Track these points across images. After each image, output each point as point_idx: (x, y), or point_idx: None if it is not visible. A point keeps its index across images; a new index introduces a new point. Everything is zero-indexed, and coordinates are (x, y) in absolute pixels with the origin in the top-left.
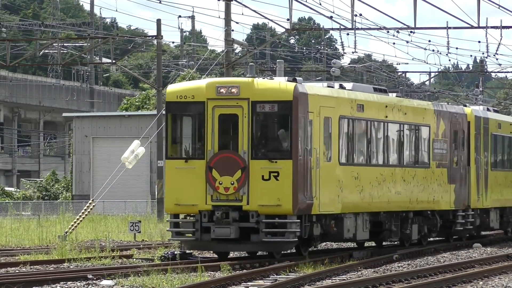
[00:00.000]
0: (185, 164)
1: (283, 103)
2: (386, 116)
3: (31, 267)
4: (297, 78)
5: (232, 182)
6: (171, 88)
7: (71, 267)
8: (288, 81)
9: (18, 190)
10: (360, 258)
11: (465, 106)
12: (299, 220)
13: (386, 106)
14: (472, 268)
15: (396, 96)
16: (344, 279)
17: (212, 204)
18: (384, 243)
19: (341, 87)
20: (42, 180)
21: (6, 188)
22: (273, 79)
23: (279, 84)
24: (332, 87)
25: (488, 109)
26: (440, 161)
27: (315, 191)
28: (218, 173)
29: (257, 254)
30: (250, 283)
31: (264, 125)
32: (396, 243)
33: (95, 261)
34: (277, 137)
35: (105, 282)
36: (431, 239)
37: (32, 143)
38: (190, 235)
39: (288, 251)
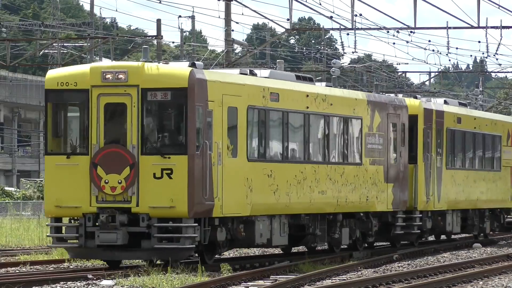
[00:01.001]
0: (66, 161)
1: (177, 91)
2: (307, 107)
3: (31, 267)
4: (196, 62)
5: (119, 181)
6: (51, 73)
7: (71, 267)
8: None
9: (18, 190)
10: (360, 258)
11: (415, 98)
12: (196, 224)
13: (308, 96)
14: (472, 268)
15: (326, 86)
16: (344, 279)
17: (97, 206)
18: (319, 248)
19: (252, 73)
20: (42, 180)
21: (6, 188)
22: (168, 63)
23: (173, 70)
24: (246, 74)
25: (446, 102)
26: (375, 157)
27: (216, 191)
28: (103, 171)
29: (256, 254)
30: (250, 283)
31: (156, 115)
32: (323, 248)
33: (95, 261)
34: (171, 130)
35: (105, 282)
36: (381, 243)
37: (32, 143)
38: (76, 241)
39: (190, 259)
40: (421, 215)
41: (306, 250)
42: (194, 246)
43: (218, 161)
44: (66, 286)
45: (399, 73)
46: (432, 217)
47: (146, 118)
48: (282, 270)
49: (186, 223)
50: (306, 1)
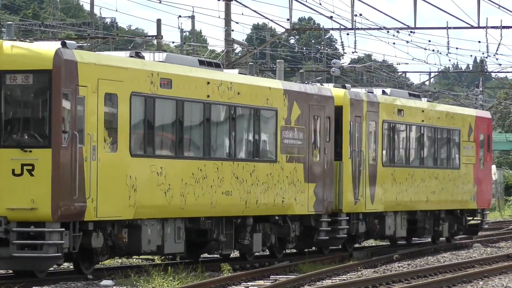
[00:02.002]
0: None
1: (40, 74)
2: (208, 96)
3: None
4: (68, 41)
5: None
6: None
7: (71, 267)
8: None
9: None
10: (360, 258)
11: (344, 87)
12: (63, 229)
13: (208, 83)
14: (472, 268)
15: (239, 73)
16: (344, 279)
17: None
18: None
19: (138, 55)
20: None
21: None
22: (33, 42)
23: (36, 49)
24: (133, 56)
25: (384, 92)
26: (293, 154)
27: (89, 190)
28: None
29: (256, 254)
30: (250, 283)
31: (16, 102)
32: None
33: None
34: (33, 119)
35: (105, 282)
36: (312, 250)
37: None
38: None
39: (56, 268)
40: (347, 218)
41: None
42: (61, 254)
43: (92, 156)
44: (66, 286)
45: (399, 73)
46: (367, 220)
47: (4, 105)
48: (282, 270)
49: (50, 227)
50: (306, 1)
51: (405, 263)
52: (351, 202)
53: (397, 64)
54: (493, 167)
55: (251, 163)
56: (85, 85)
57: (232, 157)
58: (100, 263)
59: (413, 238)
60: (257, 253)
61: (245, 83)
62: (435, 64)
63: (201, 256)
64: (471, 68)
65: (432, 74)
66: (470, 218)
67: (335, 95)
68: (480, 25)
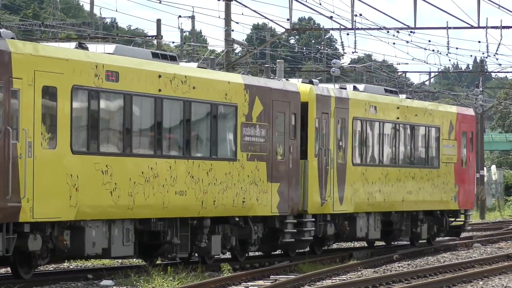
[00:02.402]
0: None
1: None
2: (160, 90)
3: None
4: (3, 31)
5: None
6: None
7: (71, 267)
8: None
9: None
10: (360, 258)
11: (311, 82)
12: None
13: (160, 76)
14: (472, 268)
15: (198, 67)
16: (344, 279)
17: None
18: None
19: (82, 46)
20: None
21: None
22: None
23: None
24: (78, 48)
25: (355, 88)
26: (255, 152)
27: (24, 189)
28: None
29: (256, 254)
30: (250, 283)
31: None
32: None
33: (95, 261)
34: None
35: (105, 282)
36: (279, 253)
37: None
38: None
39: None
40: (313, 219)
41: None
42: None
43: (28, 153)
44: (66, 286)
45: (399, 73)
46: (336, 222)
47: None
48: (282, 270)
49: None
50: (306, 1)
51: (405, 263)
52: (317, 203)
53: (397, 64)
54: (493, 167)
55: (208, 161)
56: (20, 77)
57: (187, 155)
58: (40, 267)
59: (389, 241)
60: (217, 256)
61: (201, 77)
62: (435, 64)
63: (157, 259)
64: (471, 68)
65: (432, 74)
66: (453, 220)
67: (300, 91)
68: (480, 25)
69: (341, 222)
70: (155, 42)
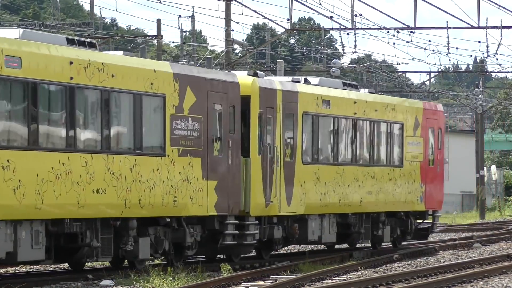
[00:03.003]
0: None
1: None
2: (72, 78)
3: (31, 267)
4: None
5: None
6: None
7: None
8: None
9: None
10: (360, 258)
11: (256, 74)
12: None
13: (72, 63)
14: (472, 268)
15: (124, 55)
16: (344, 279)
17: None
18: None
19: None
20: None
21: None
22: None
23: None
24: None
25: (306, 80)
26: (188, 147)
27: None
28: None
29: (255, 255)
30: (250, 283)
31: None
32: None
33: (95, 261)
34: None
35: (105, 282)
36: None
37: None
38: None
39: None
40: (257, 221)
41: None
42: None
43: None
44: (66, 286)
45: (399, 73)
46: (285, 224)
47: None
48: (282, 270)
49: None
50: (306, 1)
51: (405, 263)
52: (261, 204)
53: (397, 64)
54: (493, 167)
55: (131, 156)
56: None
57: (106, 149)
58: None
59: (351, 245)
60: (149, 261)
61: (121, 65)
62: (435, 64)
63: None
64: (471, 68)
65: (432, 74)
66: (420, 221)
67: (241, 83)
68: (480, 25)
69: (290, 224)
70: (155, 42)
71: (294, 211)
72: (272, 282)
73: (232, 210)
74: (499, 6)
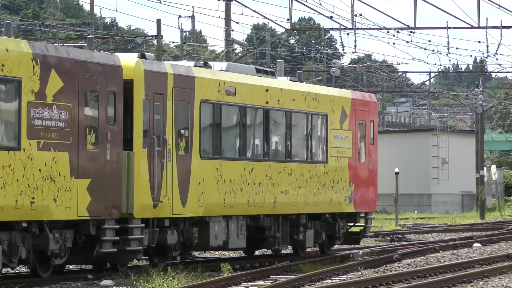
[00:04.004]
0: None
1: None
2: None
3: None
4: None
5: None
6: None
7: (71, 267)
8: None
9: None
10: (360, 258)
11: (143, 57)
12: None
13: None
14: (472, 268)
15: None
16: (344, 279)
17: None
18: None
19: None
20: None
21: None
22: None
23: None
24: None
25: (206, 64)
26: (51, 139)
27: None
28: None
29: (256, 254)
30: (250, 283)
31: None
32: None
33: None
34: None
35: (105, 282)
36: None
37: None
38: None
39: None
40: (143, 225)
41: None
42: None
43: None
44: (66, 286)
45: (399, 73)
46: (181, 228)
47: None
48: (282, 270)
49: None
50: (306, 1)
51: (405, 263)
52: (147, 204)
53: (397, 64)
54: (493, 167)
55: None
56: None
57: None
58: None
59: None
60: (8, 271)
61: None
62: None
63: None
64: (471, 68)
65: (432, 74)
66: (351, 224)
67: (123, 65)
68: (480, 25)
69: (188, 228)
70: (155, 42)
71: (191, 213)
72: (272, 282)
73: (111, 212)
74: (499, 6)
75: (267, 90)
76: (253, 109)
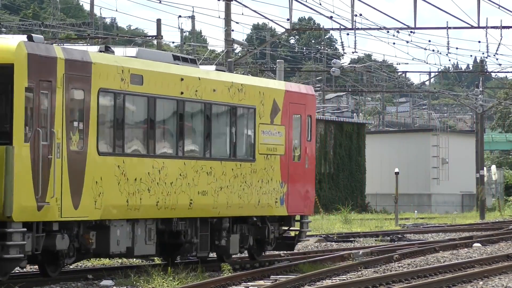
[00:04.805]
0: None
1: None
2: None
3: (31, 267)
4: None
5: None
6: None
7: (71, 267)
8: None
9: None
10: (360, 258)
11: (30, 39)
12: None
13: None
14: (472, 268)
15: None
16: (344, 279)
17: None
18: None
19: None
20: None
21: None
22: None
23: None
24: None
25: (108, 49)
26: None
27: None
28: None
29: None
30: (250, 283)
31: None
32: None
33: (94, 261)
34: None
35: (105, 282)
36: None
37: None
38: None
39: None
40: (24, 229)
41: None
42: None
43: None
44: (66, 286)
45: (399, 73)
46: (75, 232)
47: None
48: (282, 270)
49: None
50: (306, 1)
51: (405, 263)
52: (30, 206)
53: (397, 64)
54: (493, 167)
55: None
56: None
57: None
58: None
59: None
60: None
61: None
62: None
63: None
64: (471, 68)
65: (432, 74)
66: (285, 229)
67: (2, 48)
68: (480, 25)
69: (83, 232)
70: (155, 42)
71: (85, 216)
72: (272, 282)
73: None
74: (499, 6)
75: (182, 79)
76: (164, 100)
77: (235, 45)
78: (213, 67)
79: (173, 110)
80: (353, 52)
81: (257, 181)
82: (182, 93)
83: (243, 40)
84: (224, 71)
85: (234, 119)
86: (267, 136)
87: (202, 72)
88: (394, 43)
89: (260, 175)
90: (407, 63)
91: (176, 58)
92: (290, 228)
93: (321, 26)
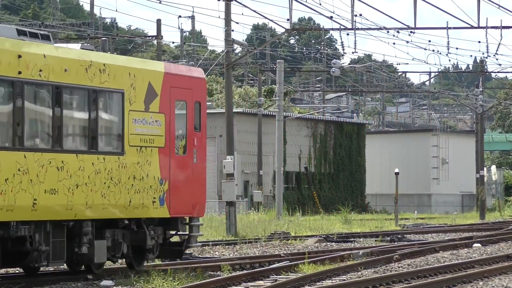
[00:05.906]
0: None
1: None
2: None
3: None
4: None
5: None
6: None
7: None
8: None
9: None
10: (360, 258)
11: None
12: None
13: None
14: (472, 268)
15: None
16: (344, 279)
17: None
18: None
19: None
20: None
21: None
22: None
23: None
24: None
25: None
26: None
27: None
28: None
29: (256, 254)
30: (250, 284)
31: None
32: None
33: None
34: None
35: (105, 282)
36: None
37: None
38: None
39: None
40: None
41: None
42: None
43: None
44: (66, 286)
45: (399, 73)
46: None
47: None
48: (282, 270)
49: None
50: (306, 1)
51: (405, 263)
52: None
53: (397, 64)
54: (493, 167)
55: None
56: None
57: None
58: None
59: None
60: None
61: None
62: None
63: None
64: (471, 68)
65: (432, 74)
66: (173, 233)
67: None
68: (480, 25)
69: None
70: (155, 42)
71: None
72: (272, 282)
73: None
74: (499, 6)
75: (19, 56)
76: None
77: (235, 45)
78: (79, 45)
79: (9, 93)
80: (353, 52)
81: (128, 178)
82: (20, 72)
83: (243, 40)
84: (91, 49)
85: (95, 105)
86: (141, 126)
87: (49, 48)
88: (394, 43)
89: (132, 170)
90: (407, 63)
91: (21, 33)
92: (178, 233)
93: (321, 26)
